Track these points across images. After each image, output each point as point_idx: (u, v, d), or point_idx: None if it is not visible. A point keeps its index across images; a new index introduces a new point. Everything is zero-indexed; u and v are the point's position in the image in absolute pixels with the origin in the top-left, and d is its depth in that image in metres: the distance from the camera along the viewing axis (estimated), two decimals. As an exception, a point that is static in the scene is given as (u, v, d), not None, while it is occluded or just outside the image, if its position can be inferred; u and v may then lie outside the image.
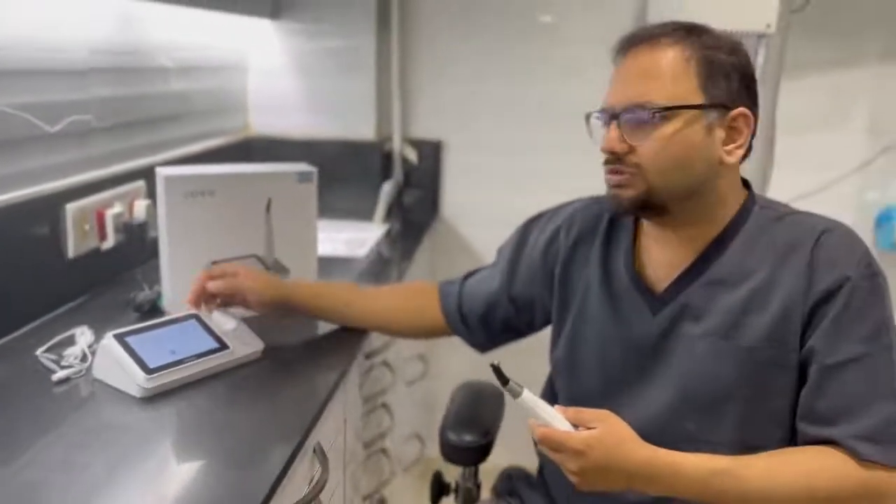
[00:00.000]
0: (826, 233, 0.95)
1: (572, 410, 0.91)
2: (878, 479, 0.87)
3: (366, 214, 2.12)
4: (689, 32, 0.96)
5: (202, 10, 1.78)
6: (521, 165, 2.19)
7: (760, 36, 1.68)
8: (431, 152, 2.25)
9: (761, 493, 0.88)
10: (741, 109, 0.95)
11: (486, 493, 1.29)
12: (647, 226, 1.05)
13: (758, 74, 1.69)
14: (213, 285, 1.16)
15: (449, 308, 1.24)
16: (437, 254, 2.27)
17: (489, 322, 1.21)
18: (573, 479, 0.89)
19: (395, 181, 2.22)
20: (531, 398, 0.91)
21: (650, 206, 0.97)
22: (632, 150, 0.95)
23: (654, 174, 0.94)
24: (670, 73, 0.94)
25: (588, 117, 1.02)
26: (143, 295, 1.30)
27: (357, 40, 2.11)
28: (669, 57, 0.94)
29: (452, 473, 1.30)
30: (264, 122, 2.18)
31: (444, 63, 2.19)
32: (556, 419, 0.90)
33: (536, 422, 0.90)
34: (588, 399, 1.00)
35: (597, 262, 1.08)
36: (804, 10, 1.83)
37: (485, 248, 1.29)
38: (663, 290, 1.01)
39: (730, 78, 0.95)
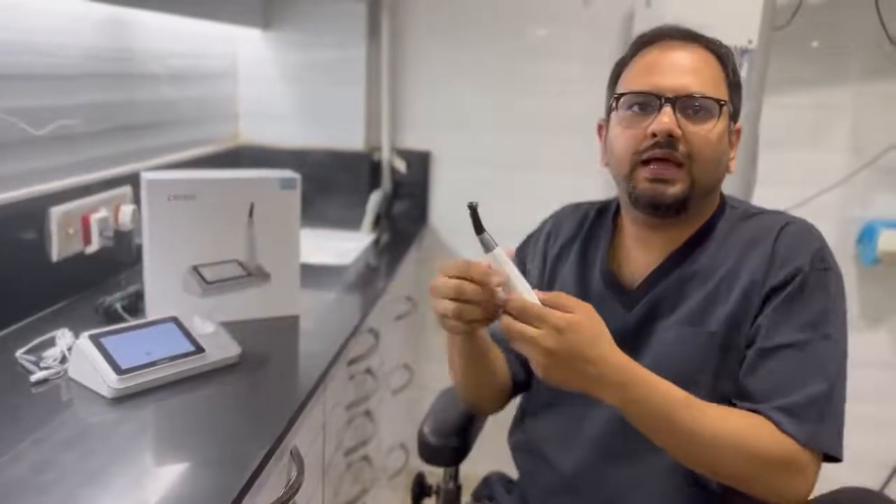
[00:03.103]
0: (787, 226, 0.99)
1: (551, 294, 0.86)
2: (794, 452, 0.88)
3: (354, 224, 2.13)
4: (714, 42, 1.01)
5: (193, 19, 1.80)
6: (508, 177, 2.21)
7: (744, 51, 1.70)
8: (420, 163, 2.26)
9: (713, 432, 0.87)
10: (739, 124, 1.01)
11: (466, 497, 1.30)
12: (628, 227, 1.07)
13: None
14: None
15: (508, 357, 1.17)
16: (424, 264, 2.28)
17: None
18: (541, 361, 0.83)
19: (384, 191, 2.24)
20: (503, 257, 0.86)
21: (685, 205, 0.96)
22: (683, 138, 0.94)
23: (700, 168, 0.96)
24: (715, 75, 0.99)
25: (619, 98, 0.99)
26: (110, 299, 1.30)
27: (347, 51, 2.13)
28: (712, 61, 0.99)
29: (434, 477, 1.31)
30: (254, 130, 2.19)
31: (433, 75, 2.21)
32: (528, 292, 0.85)
33: (508, 291, 0.85)
34: (565, 392, 0.94)
35: (574, 263, 1.11)
36: (787, 27, 1.86)
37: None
38: (637, 287, 1.04)
39: (740, 94, 1.01)
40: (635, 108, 0.98)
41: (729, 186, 1.80)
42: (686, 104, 0.95)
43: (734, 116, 1.01)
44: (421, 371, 2.23)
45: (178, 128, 1.83)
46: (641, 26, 1.94)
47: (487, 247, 0.86)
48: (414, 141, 2.26)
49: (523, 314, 0.83)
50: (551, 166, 2.18)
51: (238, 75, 2.17)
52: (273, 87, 2.17)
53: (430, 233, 2.30)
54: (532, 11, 2.14)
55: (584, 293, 1.07)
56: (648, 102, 0.97)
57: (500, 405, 1.19)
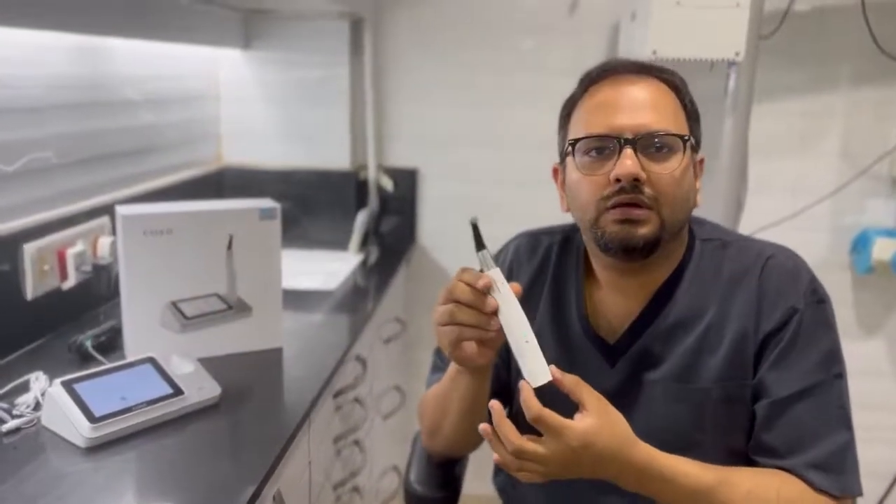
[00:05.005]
0: (771, 259, 0.94)
1: (571, 378, 0.82)
2: None
3: (341, 244, 2.10)
4: (666, 72, 0.96)
5: (170, 44, 1.77)
6: (496, 193, 2.18)
7: (731, 63, 1.68)
8: (407, 180, 2.23)
9: None
10: (702, 155, 0.97)
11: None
12: (599, 272, 1.01)
13: (729, 101, 1.72)
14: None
15: None
16: (414, 283, 2.25)
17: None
18: (547, 468, 0.81)
19: (371, 210, 2.20)
20: (500, 276, 0.83)
21: (656, 245, 0.90)
22: (647, 180, 0.88)
23: (668, 210, 0.89)
24: (673, 108, 0.93)
25: (574, 143, 0.92)
26: (82, 338, 1.26)
27: (331, 69, 2.10)
28: (667, 93, 0.94)
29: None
30: (237, 152, 2.15)
31: (418, 91, 2.18)
32: (532, 349, 0.81)
33: (528, 386, 0.79)
34: None
35: (547, 308, 1.04)
36: (773, 36, 1.83)
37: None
38: (619, 340, 0.99)
39: (699, 124, 0.96)
40: (593, 154, 0.91)
41: (720, 197, 1.79)
42: (647, 143, 0.89)
43: (696, 147, 0.95)
44: (412, 392, 2.18)
45: (158, 153, 1.79)
46: (627, 39, 1.92)
47: (486, 265, 0.85)
48: (400, 158, 2.22)
49: (539, 424, 0.79)
50: (540, 182, 2.14)
51: (219, 96, 2.13)
52: (256, 107, 2.13)
53: (419, 250, 2.27)
54: (517, 25, 2.11)
55: (563, 342, 1.01)
56: (606, 146, 0.90)
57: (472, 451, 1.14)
